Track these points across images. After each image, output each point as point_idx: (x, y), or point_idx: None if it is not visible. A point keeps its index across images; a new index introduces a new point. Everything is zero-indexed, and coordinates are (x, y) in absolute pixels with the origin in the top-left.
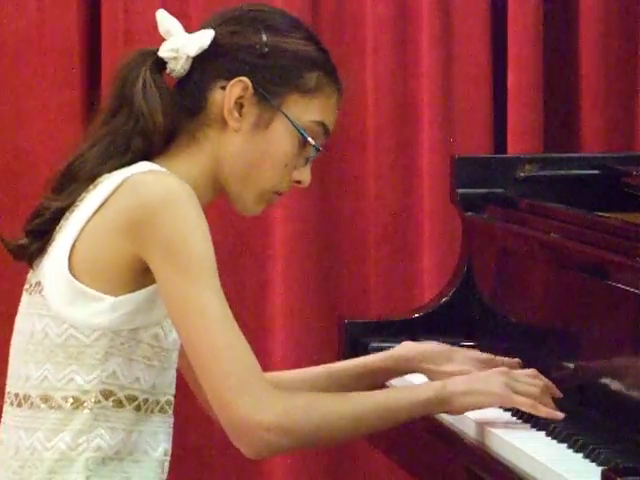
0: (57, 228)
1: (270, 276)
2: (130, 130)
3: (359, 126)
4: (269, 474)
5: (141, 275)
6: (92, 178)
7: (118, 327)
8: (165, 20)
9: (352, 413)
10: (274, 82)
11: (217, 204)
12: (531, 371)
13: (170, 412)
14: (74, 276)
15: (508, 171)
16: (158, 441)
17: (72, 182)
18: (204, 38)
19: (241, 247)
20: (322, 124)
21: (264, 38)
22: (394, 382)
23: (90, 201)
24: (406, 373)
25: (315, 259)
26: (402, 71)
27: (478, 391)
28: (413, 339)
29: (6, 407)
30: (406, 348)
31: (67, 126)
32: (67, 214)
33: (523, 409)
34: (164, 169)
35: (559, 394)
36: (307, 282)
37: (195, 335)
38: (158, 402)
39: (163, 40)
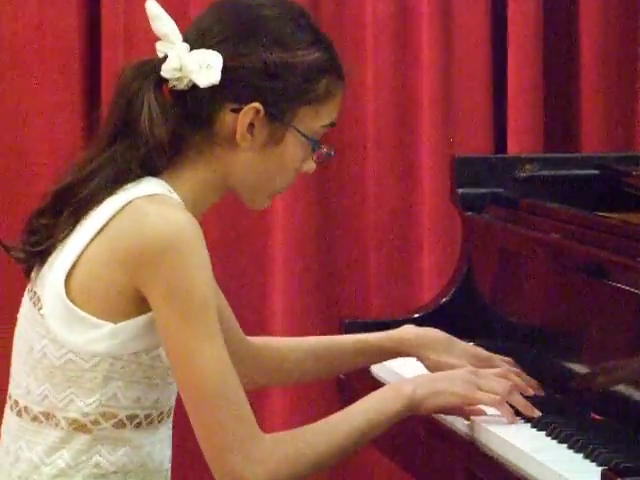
0: (56, 246)
1: (270, 276)
2: (134, 155)
3: (359, 126)
4: None
5: (140, 302)
6: (95, 202)
7: (118, 353)
8: (159, 20)
9: (337, 447)
10: (285, 101)
11: (217, 205)
12: (498, 370)
13: (171, 417)
14: (72, 301)
15: (508, 171)
16: (165, 449)
17: (71, 205)
18: (214, 70)
19: (241, 247)
20: (331, 124)
21: (273, 58)
22: (377, 370)
23: (91, 223)
24: (404, 355)
25: (315, 259)
26: (402, 71)
27: (442, 392)
28: None
29: (7, 410)
30: (407, 331)
31: (67, 126)
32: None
33: (487, 405)
34: (170, 194)
35: (534, 389)
36: (307, 282)
37: (191, 386)
38: (162, 413)
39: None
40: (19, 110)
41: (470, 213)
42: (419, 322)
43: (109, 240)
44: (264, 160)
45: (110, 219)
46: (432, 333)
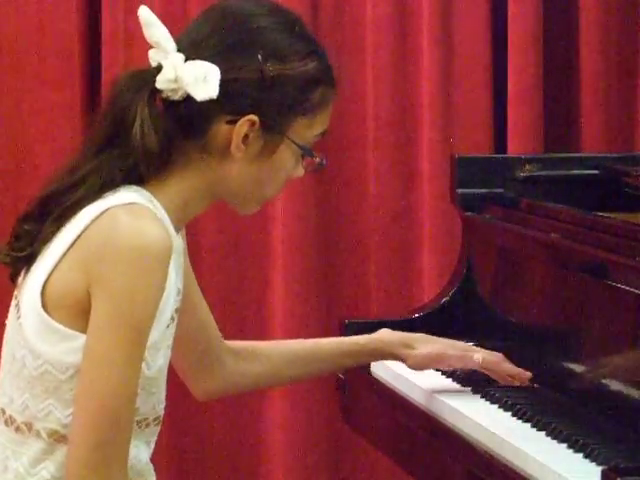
0: (38, 254)
1: (270, 276)
2: (123, 165)
3: (359, 126)
4: (268, 474)
5: None
6: (77, 210)
7: None
8: (153, 27)
9: None
10: (280, 113)
11: (217, 205)
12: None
13: (159, 424)
14: (47, 312)
15: (508, 171)
16: (148, 448)
17: (54, 213)
18: (212, 84)
19: (241, 247)
20: (323, 132)
21: (267, 70)
22: (377, 369)
23: (69, 231)
24: (387, 356)
25: (315, 259)
26: (402, 71)
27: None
28: None
29: None
30: (387, 332)
31: (67, 126)
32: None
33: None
34: (148, 202)
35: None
36: (307, 282)
37: (90, 393)
38: (146, 419)
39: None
40: (19, 110)
41: (470, 213)
42: (419, 322)
43: (79, 248)
44: (256, 170)
45: (85, 228)
46: (409, 333)
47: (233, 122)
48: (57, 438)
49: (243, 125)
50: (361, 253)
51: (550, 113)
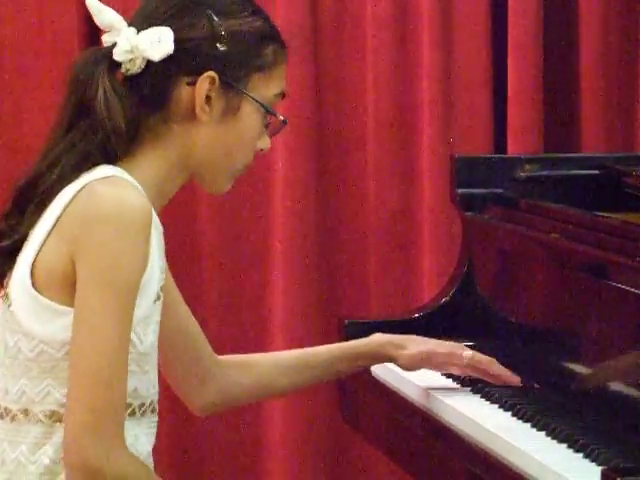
0: (23, 244)
1: (270, 276)
2: (91, 142)
3: (359, 126)
4: (268, 474)
5: None
6: (56, 193)
7: None
8: (102, 13)
9: None
10: (237, 68)
11: (217, 205)
12: None
13: (156, 413)
14: (38, 291)
15: (508, 171)
16: (146, 444)
17: (34, 200)
18: (166, 42)
19: (241, 247)
20: (282, 93)
21: (218, 25)
22: (377, 370)
23: (51, 211)
24: (381, 359)
25: (315, 259)
26: (402, 71)
27: None
28: None
29: None
30: (379, 335)
31: None
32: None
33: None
34: (126, 176)
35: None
36: (307, 282)
37: (81, 357)
38: (143, 405)
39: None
40: (19, 110)
41: (470, 213)
42: (419, 322)
43: (62, 224)
44: (223, 132)
45: (66, 205)
46: (405, 335)
47: (193, 83)
48: (56, 419)
49: (203, 82)
50: (361, 253)
51: (550, 113)
